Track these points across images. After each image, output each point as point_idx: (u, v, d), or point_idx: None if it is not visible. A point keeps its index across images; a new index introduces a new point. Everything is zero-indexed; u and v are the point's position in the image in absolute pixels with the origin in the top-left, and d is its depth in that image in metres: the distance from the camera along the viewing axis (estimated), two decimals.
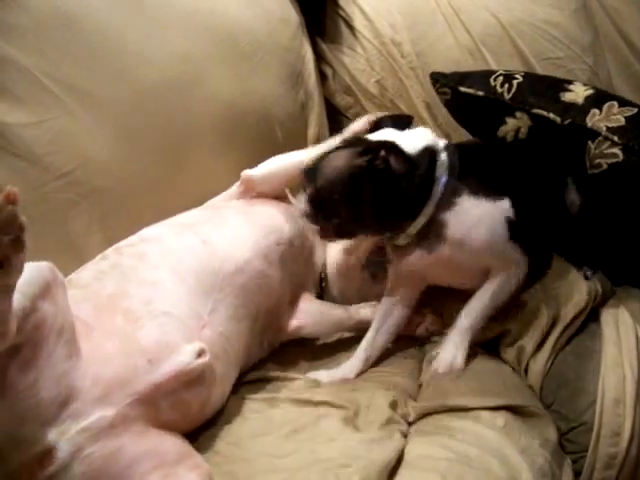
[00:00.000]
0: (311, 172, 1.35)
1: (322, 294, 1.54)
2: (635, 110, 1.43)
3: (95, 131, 1.40)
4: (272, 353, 1.43)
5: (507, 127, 1.49)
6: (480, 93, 1.52)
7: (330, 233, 1.37)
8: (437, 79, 1.64)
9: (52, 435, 0.97)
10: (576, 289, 1.40)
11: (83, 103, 1.39)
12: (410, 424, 1.24)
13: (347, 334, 1.50)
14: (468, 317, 1.37)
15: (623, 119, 1.40)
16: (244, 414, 1.24)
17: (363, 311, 1.47)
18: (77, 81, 1.39)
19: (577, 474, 1.23)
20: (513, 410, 1.25)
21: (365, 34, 1.96)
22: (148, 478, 1.02)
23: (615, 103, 1.44)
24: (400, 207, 1.32)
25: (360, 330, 1.44)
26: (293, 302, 1.43)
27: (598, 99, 1.46)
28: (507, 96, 1.49)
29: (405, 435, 1.19)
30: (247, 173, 1.51)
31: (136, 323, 1.10)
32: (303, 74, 1.85)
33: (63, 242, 1.35)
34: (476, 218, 1.33)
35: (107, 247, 1.31)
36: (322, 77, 2.00)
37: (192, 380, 1.10)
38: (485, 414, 1.23)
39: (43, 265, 1.02)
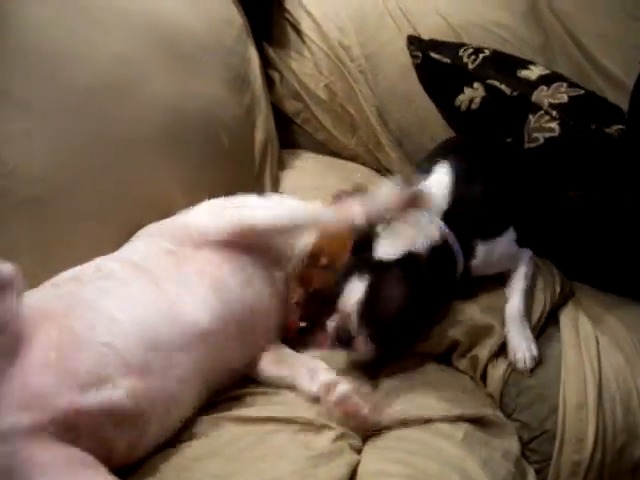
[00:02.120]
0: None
1: None
2: (582, 92, 1.49)
3: (23, 137, 1.30)
4: None
5: (464, 96, 1.61)
6: (447, 60, 1.66)
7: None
8: (412, 42, 1.76)
9: None
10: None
11: (7, 107, 1.29)
12: (366, 438, 1.18)
13: None
14: (514, 303, 1.38)
15: (567, 97, 1.48)
16: (189, 436, 1.17)
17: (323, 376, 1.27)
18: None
19: None
20: (473, 420, 1.22)
21: (313, 37, 1.92)
22: None
23: (565, 84, 1.52)
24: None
25: None
26: (249, 364, 1.33)
27: (550, 79, 1.54)
28: (470, 66, 1.62)
29: (359, 450, 1.14)
30: (249, 223, 1.32)
31: (76, 344, 1.07)
32: (249, 77, 1.80)
33: None
34: (497, 256, 1.43)
35: (39, 266, 1.23)
36: (270, 82, 1.96)
37: (121, 420, 1.05)
38: (444, 426, 1.19)
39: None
